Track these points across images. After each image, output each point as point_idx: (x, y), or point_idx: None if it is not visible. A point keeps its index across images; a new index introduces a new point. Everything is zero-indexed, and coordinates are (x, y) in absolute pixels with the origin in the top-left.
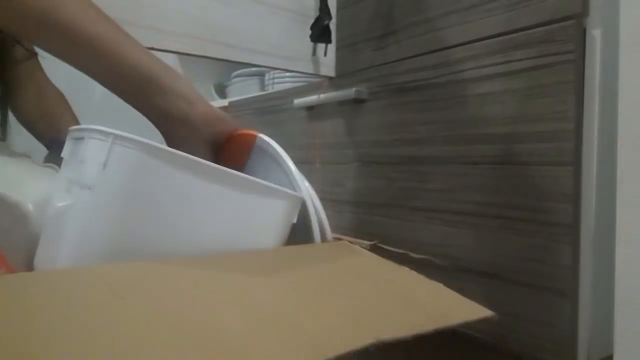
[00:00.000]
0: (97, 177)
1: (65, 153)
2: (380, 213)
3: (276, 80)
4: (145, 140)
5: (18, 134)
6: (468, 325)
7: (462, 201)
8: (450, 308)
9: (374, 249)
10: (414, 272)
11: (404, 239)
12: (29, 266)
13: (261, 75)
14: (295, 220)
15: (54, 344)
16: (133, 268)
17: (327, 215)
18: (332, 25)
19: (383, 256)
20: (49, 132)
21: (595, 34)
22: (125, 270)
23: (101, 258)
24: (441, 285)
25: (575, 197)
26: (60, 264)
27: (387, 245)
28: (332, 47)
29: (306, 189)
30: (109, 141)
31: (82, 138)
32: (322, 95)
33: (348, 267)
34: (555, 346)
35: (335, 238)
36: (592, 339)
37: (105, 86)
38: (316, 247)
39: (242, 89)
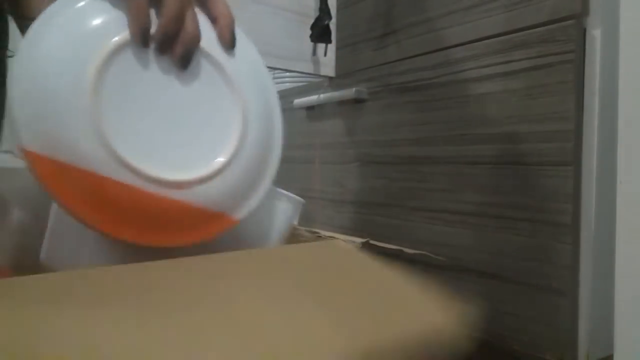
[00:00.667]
0: None
1: None
2: (380, 213)
3: (276, 80)
4: None
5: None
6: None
7: (462, 201)
8: (432, 328)
9: (366, 246)
10: (403, 277)
11: (404, 239)
12: (17, 259)
13: None
14: (296, 222)
15: (42, 349)
16: (126, 271)
17: (327, 215)
18: (332, 25)
19: (376, 253)
20: None
21: (595, 34)
22: (119, 273)
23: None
24: (430, 292)
25: (575, 197)
26: (81, 261)
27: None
28: (332, 47)
29: None
30: None
31: None
32: (322, 95)
33: (339, 271)
34: (555, 346)
35: (329, 237)
36: (592, 339)
37: None
38: (307, 248)
39: None
